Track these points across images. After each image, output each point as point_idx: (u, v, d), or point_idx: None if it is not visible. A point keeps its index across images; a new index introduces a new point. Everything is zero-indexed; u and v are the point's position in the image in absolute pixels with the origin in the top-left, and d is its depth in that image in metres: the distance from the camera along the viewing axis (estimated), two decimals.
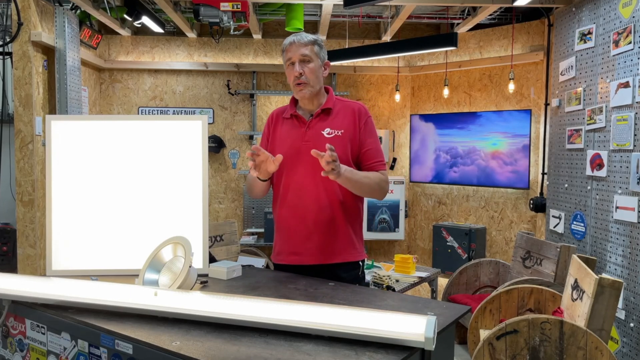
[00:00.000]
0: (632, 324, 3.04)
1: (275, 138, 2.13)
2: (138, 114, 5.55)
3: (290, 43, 2.04)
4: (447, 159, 5.45)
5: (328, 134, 2.03)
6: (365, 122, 2.08)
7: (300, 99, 2.10)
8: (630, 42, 3.10)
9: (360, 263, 2.13)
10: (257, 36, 5.44)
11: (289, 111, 2.12)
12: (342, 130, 2.04)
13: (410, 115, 5.74)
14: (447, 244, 5.12)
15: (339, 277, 2.00)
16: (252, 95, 5.58)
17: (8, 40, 3.91)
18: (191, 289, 1.69)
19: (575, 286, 2.59)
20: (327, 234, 2.03)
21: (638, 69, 3.03)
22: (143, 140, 2.03)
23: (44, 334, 1.59)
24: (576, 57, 3.77)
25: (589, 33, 3.59)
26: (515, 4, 3.95)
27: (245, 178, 5.62)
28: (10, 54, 4.07)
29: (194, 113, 5.54)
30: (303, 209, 2.03)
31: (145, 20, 4.89)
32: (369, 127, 2.09)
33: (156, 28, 5.12)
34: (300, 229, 2.04)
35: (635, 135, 3.05)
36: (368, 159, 2.06)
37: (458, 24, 5.16)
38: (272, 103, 5.67)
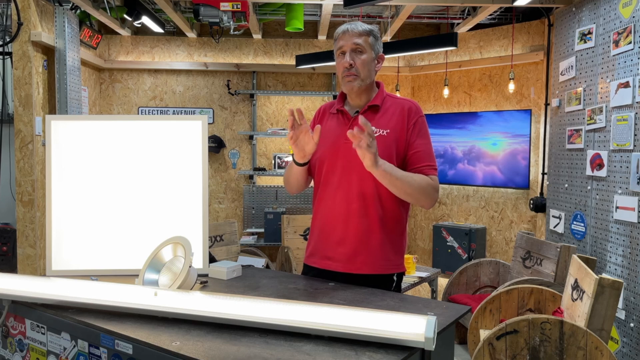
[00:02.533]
0: (632, 324, 3.04)
1: (321, 135, 1.97)
2: (138, 114, 5.55)
3: (343, 31, 1.89)
4: (447, 159, 5.45)
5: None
6: (415, 121, 1.89)
7: (347, 92, 1.94)
8: (630, 42, 3.10)
9: (395, 277, 1.94)
10: (257, 36, 5.44)
11: (336, 106, 1.98)
12: (388, 130, 1.87)
13: None
14: (447, 244, 5.12)
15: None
16: (252, 95, 5.58)
17: (8, 40, 3.91)
18: (191, 289, 1.69)
19: (575, 286, 2.59)
20: (361, 240, 1.88)
21: (638, 69, 3.03)
22: (143, 140, 2.03)
23: (43, 334, 1.59)
24: (576, 57, 3.77)
25: (589, 33, 3.59)
26: (515, 4, 3.95)
27: (245, 179, 5.63)
28: (10, 54, 4.07)
29: (194, 113, 5.54)
30: (338, 210, 1.89)
31: (145, 20, 4.89)
32: (419, 126, 1.90)
33: (156, 28, 5.12)
34: (333, 231, 1.91)
35: (635, 135, 3.05)
36: (416, 162, 1.87)
37: (458, 24, 5.16)
38: (272, 103, 5.67)
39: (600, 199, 3.43)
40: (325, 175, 1.93)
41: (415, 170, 1.85)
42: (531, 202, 4.58)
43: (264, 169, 5.54)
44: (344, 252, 1.89)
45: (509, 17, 5.11)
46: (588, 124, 3.57)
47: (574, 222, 3.77)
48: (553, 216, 4.12)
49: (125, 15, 4.81)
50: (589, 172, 3.54)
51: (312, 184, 2.06)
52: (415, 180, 1.80)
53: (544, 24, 4.66)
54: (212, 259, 2.07)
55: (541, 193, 4.62)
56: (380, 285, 1.88)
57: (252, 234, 5.47)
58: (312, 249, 2.01)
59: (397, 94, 5.44)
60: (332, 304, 1.54)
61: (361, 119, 1.60)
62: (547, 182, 4.30)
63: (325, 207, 1.93)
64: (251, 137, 5.60)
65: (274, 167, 5.59)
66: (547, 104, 4.52)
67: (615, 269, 3.22)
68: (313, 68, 5.42)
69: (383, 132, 1.87)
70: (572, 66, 3.83)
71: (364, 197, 1.86)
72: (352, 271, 1.89)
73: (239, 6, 3.92)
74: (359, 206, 1.86)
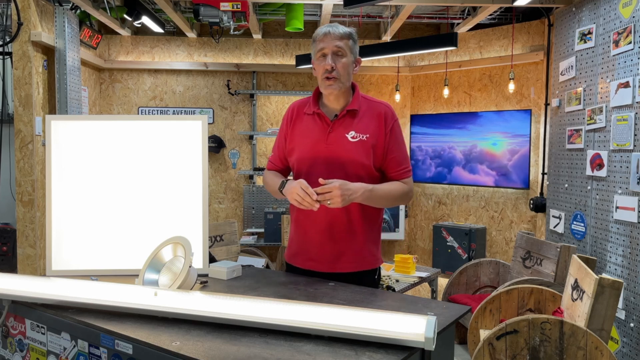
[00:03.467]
0: (632, 324, 3.04)
1: (295, 135, 2.00)
2: (138, 114, 5.54)
3: (324, 33, 1.90)
4: (447, 159, 5.45)
5: (352, 137, 1.91)
6: (392, 127, 1.95)
7: (326, 96, 1.96)
8: (630, 42, 3.10)
9: (377, 270, 2.05)
10: (257, 36, 5.44)
11: (312, 108, 1.98)
12: (367, 135, 1.92)
13: (410, 115, 5.74)
14: (447, 244, 5.12)
15: (355, 284, 1.91)
16: (252, 95, 5.58)
17: (8, 40, 3.91)
18: (191, 289, 1.69)
19: (576, 286, 2.59)
20: (344, 241, 1.94)
21: (638, 69, 3.03)
22: (143, 140, 2.03)
23: (43, 334, 1.59)
24: (576, 57, 3.77)
25: (589, 33, 3.59)
26: (515, 4, 3.95)
27: (245, 179, 5.63)
28: (10, 54, 4.07)
29: (194, 113, 5.54)
30: (320, 213, 1.90)
31: (145, 20, 4.89)
32: (396, 132, 1.97)
33: (156, 28, 5.12)
34: (316, 234, 1.96)
35: (635, 135, 3.05)
36: (394, 167, 1.96)
37: (458, 24, 5.16)
38: (272, 103, 5.67)
39: (600, 199, 3.43)
40: (306, 179, 1.93)
41: (393, 174, 1.96)
42: (531, 202, 4.58)
43: (264, 169, 5.53)
44: (329, 254, 1.95)
45: (509, 17, 5.11)
46: (588, 124, 3.57)
47: (574, 222, 3.77)
48: (553, 216, 4.12)
49: (125, 15, 4.81)
50: (589, 172, 3.54)
51: None
52: (392, 192, 1.92)
53: (544, 24, 4.66)
54: (212, 259, 2.07)
55: (541, 193, 4.62)
56: (366, 279, 1.97)
57: (252, 234, 5.47)
58: (296, 250, 2.05)
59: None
60: (332, 304, 1.54)
61: (322, 181, 1.73)
62: (547, 182, 4.30)
63: (309, 210, 1.93)
64: (251, 137, 5.60)
65: None
66: (547, 104, 4.52)
67: (615, 269, 3.22)
68: (313, 68, 5.41)
69: (363, 137, 1.92)
70: (572, 66, 3.83)
71: None
72: (337, 271, 1.95)
73: (239, 6, 3.92)
74: (341, 208, 1.89)
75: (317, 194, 1.76)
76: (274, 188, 2.00)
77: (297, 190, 1.79)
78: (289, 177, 2.04)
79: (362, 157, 1.89)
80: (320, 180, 1.76)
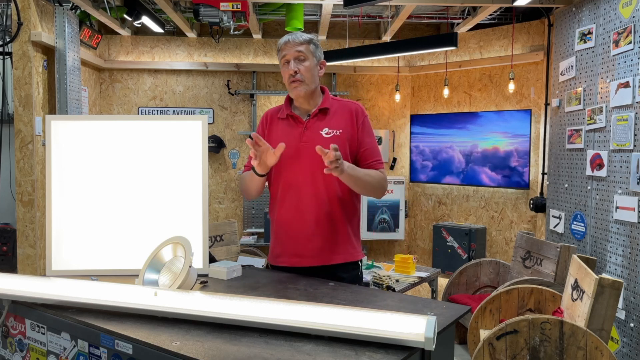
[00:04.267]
0: (632, 324, 3.04)
1: (272, 139, 2.08)
2: (138, 114, 5.55)
3: (285, 42, 2.04)
4: (447, 159, 5.45)
5: (327, 133, 2.03)
6: (362, 121, 2.08)
7: (295, 98, 2.08)
8: (630, 42, 3.10)
9: (360, 263, 2.14)
10: (257, 36, 5.44)
11: (285, 111, 2.10)
12: (341, 130, 2.03)
13: (411, 115, 5.74)
14: (447, 244, 5.12)
15: (340, 277, 2.00)
16: (252, 95, 5.59)
17: (8, 40, 3.91)
18: (191, 289, 1.69)
19: (576, 286, 2.59)
20: (328, 233, 2.02)
21: (638, 69, 3.03)
22: (143, 140, 2.03)
23: (43, 334, 1.59)
24: (576, 57, 3.77)
25: (589, 33, 3.59)
26: (515, 4, 3.95)
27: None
28: (10, 54, 4.07)
29: (194, 113, 5.54)
30: (303, 209, 2.02)
31: (145, 20, 4.89)
32: (367, 126, 2.10)
33: (156, 28, 5.12)
34: (301, 229, 2.03)
35: (635, 135, 3.05)
36: (367, 158, 2.07)
37: (458, 24, 5.16)
38: (272, 103, 5.67)
39: (600, 199, 3.43)
40: (285, 178, 2.05)
41: (366, 165, 2.05)
42: (531, 202, 4.58)
43: None
44: (315, 247, 2.02)
45: (509, 17, 5.11)
46: (588, 124, 3.57)
47: (574, 222, 3.77)
48: (553, 216, 4.12)
49: (125, 15, 4.81)
50: (589, 172, 3.54)
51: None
52: (372, 176, 2.01)
53: (544, 24, 4.66)
54: (212, 259, 2.07)
55: (541, 193, 4.62)
56: (350, 271, 2.07)
57: (252, 234, 5.47)
58: (280, 250, 2.11)
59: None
60: (332, 304, 1.54)
61: (333, 146, 1.76)
62: (547, 182, 4.30)
63: (291, 207, 2.05)
64: (251, 137, 5.59)
65: None
66: (547, 104, 4.52)
67: (615, 269, 3.22)
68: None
69: (337, 132, 2.04)
70: (572, 66, 3.83)
71: (327, 193, 2.02)
72: (324, 263, 2.03)
73: (239, 6, 3.92)
74: (323, 202, 2.02)
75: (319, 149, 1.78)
76: (247, 177, 2.08)
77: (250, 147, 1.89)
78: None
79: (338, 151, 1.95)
80: (317, 148, 1.77)
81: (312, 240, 2.02)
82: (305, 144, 2.01)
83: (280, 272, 2.08)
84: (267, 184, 2.15)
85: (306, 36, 2.05)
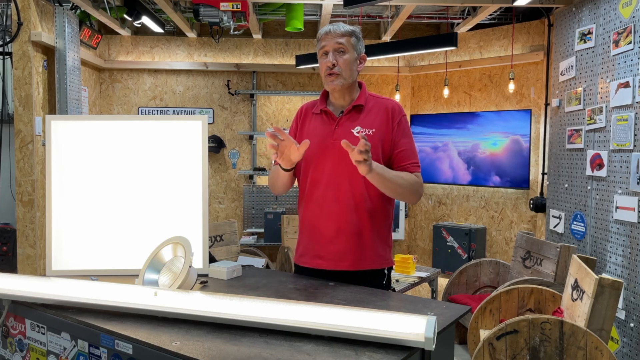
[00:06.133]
0: (632, 324, 3.04)
1: (303, 134, 2.01)
2: (138, 114, 5.54)
3: (326, 32, 1.93)
4: (447, 159, 5.45)
5: (358, 132, 1.91)
6: (399, 121, 1.95)
7: (331, 92, 1.99)
8: (630, 42, 3.10)
9: (386, 271, 2.01)
10: (257, 36, 5.44)
11: (319, 106, 2.00)
12: (374, 130, 1.92)
13: (411, 115, 5.74)
14: (447, 244, 5.12)
15: (361, 284, 1.89)
16: (252, 95, 5.58)
17: (8, 40, 3.91)
18: (191, 289, 1.69)
19: (575, 286, 2.59)
20: (353, 237, 1.92)
21: (638, 69, 3.03)
22: (143, 140, 2.03)
23: (44, 334, 1.59)
24: (576, 57, 3.77)
25: (589, 33, 3.59)
26: (515, 4, 3.95)
27: (245, 179, 5.63)
28: (10, 54, 4.07)
29: (194, 113, 5.54)
30: (326, 210, 1.92)
31: (145, 20, 4.89)
32: (403, 126, 1.96)
33: (156, 28, 5.12)
34: (324, 229, 1.94)
35: (635, 135, 3.05)
36: (402, 160, 1.93)
37: (458, 24, 5.16)
38: (272, 103, 5.67)
39: (600, 199, 3.43)
40: (312, 175, 1.96)
41: (401, 168, 1.92)
42: (531, 202, 4.58)
43: (264, 169, 5.54)
44: (336, 250, 1.93)
45: (509, 17, 5.11)
46: (588, 124, 3.57)
47: (574, 222, 3.77)
48: (553, 216, 4.12)
49: (125, 15, 4.81)
50: (589, 172, 3.54)
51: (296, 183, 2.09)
52: (405, 179, 1.87)
53: (544, 24, 4.66)
54: (212, 259, 2.07)
55: (541, 193, 4.62)
56: (373, 280, 1.95)
57: (252, 234, 5.47)
58: (303, 249, 2.04)
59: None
60: (332, 304, 1.54)
61: (362, 136, 1.65)
62: (547, 182, 4.30)
63: (316, 207, 1.96)
64: (251, 137, 5.60)
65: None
66: (547, 104, 4.52)
67: (615, 269, 3.22)
68: (313, 68, 5.42)
69: (369, 131, 1.92)
70: (572, 66, 3.83)
71: (353, 195, 1.91)
72: (344, 268, 1.93)
73: (239, 6, 3.92)
74: (349, 204, 1.91)
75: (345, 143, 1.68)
76: (275, 171, 1.99)
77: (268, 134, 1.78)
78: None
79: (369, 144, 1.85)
80: (343, 142, 1.68)
81: (334, 241, 1.93)
82: (335, 142, 1.88)
83: (280, 272, 2.08)
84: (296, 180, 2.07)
85: (349, 28, 1.94)
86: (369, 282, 1.91)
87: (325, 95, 2.05)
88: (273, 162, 1.99)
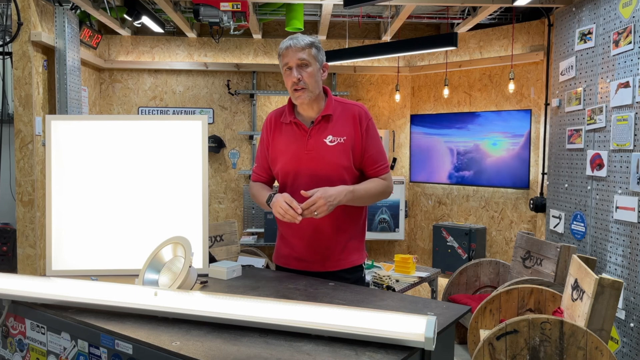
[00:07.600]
0: (632, 324, 3.04)
1: (276, 145, 2.07)
2: (138, 114, 5.54)
3: (286, 47, 1.97)
4: (446, 159, 5.45)
5: (330, 141, 1.99)
6: (366, 126, 2.03)
7: (299, 105, 2.03)
8: (630, 42, 3.10)
9: (363, 265, 2.14)
10: (257, 36, 5.44)
11: (288, 117, 2.05)
12: (345, 137, 1.99)
13: (410, 115, 5.74)
14: (447, 244, 5.12)
15: (343, 279, 2.00)
16: (252, 95, 5.58)
17: (8, 40, 3.91)
18: (191, 289, 1.69)
19: (576, 286, 2.59)
20: (331, 241, 2.02)
21: (638, 69, 3.03)
22: (143, 140, 2.03)
23: (43, 334, 1.59)
24: (576, 57, 3.77)
25: (589, 33, 3.59)
26: (515, 4, 3.95)
27: (245, 179, 5.63)
28: (10, 54, 4.07)
29: (194, 113, 5.54)
30: (305, 219, 1.96)
31: (145, 20, 4.89)
32: (371, 131, 2.05)
33: (156, 28, 5.12)
34: (303, 236, 2.03)
35: (635, 135, 3.05)
36: (371, 165, 2.04)
37: (458, 24, 5.16)
38: (272, 103, 5.67)
39: (600, 199, 3.43)
40: (291, 186, 2.04)
41: (371, 172, 2.05)
42: (531, 202, 4.58)
43: None
44: (319, 254, 2.03)
45: (509, 17, 5.11)
46: (588, 124, 3.57)
47: (574, 222, 3.77)
48: (553, 216, 4.12)
49: (125, 15, 4.81)
50: (589, 172, 3.54)
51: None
52: (374, 188, 2.02)
53: (544, 24, 4.66)
54: (212, 259, 2.07)
55: (541, 193, 4.62)
56: (354, 273, 2.07)
57: (252, 234, 5.47)
58: (285, 252, 2.13)
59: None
60: (332, 304, 1.54)
61: (303, 193, 1.83)
62: (547, 182, 4.30)
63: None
64: (251, 137, 5.60)
65: None
66: (547, 104, 4.52)
67: (615, 269, 3.22)
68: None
69: (340, 139, 2.00)
70: (572, 66, 3.83)
71: None
72: (328, 269, 2.03)
73: (239, 6, 3.92)
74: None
75: (302, 209, 1.83)
76: (262, 200, 2.07)
77: (280, 204, 1.87)
78: (275, 191, 2.10)
79: (343, 160, 1.97)
80: (302, 192, 1.83)
81: (313, 246, 2.03)
82: (310, 152, 1.99)
83: (280, 272, 2.08)
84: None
85: (307, 40, 1.97)
86: (350, 275, 2.06)
87: (293, 105, 2.09)
88: (251, 175, 2.11)
